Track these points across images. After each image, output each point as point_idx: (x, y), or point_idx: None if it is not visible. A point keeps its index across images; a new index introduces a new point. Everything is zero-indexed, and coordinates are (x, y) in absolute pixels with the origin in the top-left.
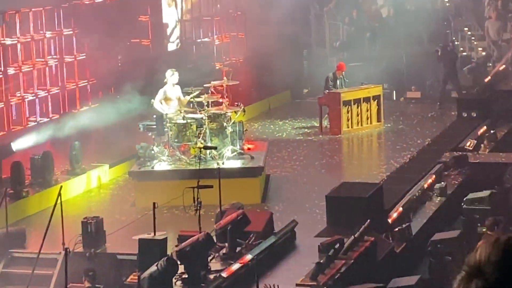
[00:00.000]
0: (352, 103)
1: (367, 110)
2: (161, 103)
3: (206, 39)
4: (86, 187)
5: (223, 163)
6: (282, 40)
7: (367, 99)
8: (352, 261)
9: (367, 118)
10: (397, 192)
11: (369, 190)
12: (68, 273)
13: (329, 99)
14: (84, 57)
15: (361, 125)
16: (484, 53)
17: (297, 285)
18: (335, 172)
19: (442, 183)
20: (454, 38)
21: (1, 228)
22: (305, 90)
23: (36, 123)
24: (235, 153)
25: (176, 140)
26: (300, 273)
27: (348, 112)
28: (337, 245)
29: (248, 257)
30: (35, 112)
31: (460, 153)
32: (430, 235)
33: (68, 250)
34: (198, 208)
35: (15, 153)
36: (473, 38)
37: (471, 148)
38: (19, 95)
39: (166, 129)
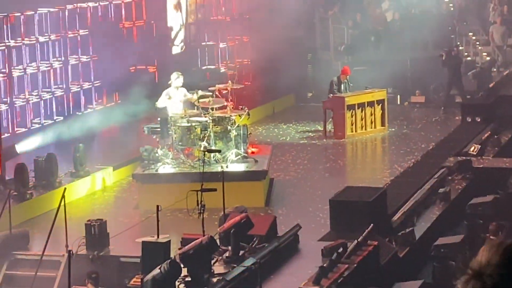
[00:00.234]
0: (356, 107)
1: (371, 115)
2: (166, 103)
3: (211, 43)
4: (90, 190)
5: (227, 167)
6: (286, 43)
7: (371, 103)
8: (355, 265)
9: (371, 122)
10: (400, 197)
11: (372, 194)
12: (72, 275)
13: (333, 103)
14: (89, 59)
15: (365, 129)
16: (488, 58)
17: None
18: (339, 176)
19: (446, 187)
20: (458, 43)
21: (4, 230)
22: (309, 94)
23: (40, 125)
24: (239, 156)
25: (180, 143)
26: (303, 277)
27: (352, 116)
28: (340, 249)
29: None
30: (39, 114)
31: (464, 158)
32: (433, 239)
33: (71, 252)
34: (202, 211)
35: (19, 155)
36: (477, 43)
37: (475, 153)
38: (23, 97)
39: (170, 132)
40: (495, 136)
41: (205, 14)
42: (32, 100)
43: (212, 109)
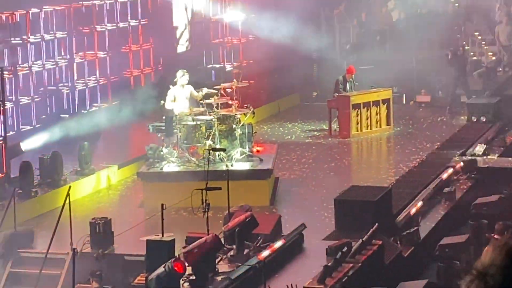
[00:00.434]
0: (362, 106)
1: (377, 114)
2: (172, 103)
3: (216, 41)
4: (94, 188)
5: (232, 165)
6: (292, 42)
7: (376, 103)
8: (360, 264)
9: (377, 122)
10: (405, 196)
11: (377, 193)
12: (76, 273)
13: (338, 102)
14: (94, 57)
15: (371, 128)
16: (494, 58)
17: (304, 287)
18: (344, 176)
19: (451, 187)
20: (464, 43)
21: (9, 228)
22: (314, 93)
23: (45, 123)
24: (244, 155)
25: (185, 142)
26: (307, 276)
27: (357, 116)
28: (345, 249)
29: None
30: (45, 112)
31: (469, 157)
32: (438, 239)
33: (76, 250)
34: (206, 210)
35: (24, 153)
36: (483, 42)
37: (480, 153)
38: (28, 95)
39: (175, 131)
40: (501, 136)
41: (211, 13)
42: (37, 98)
43: (217, 107)
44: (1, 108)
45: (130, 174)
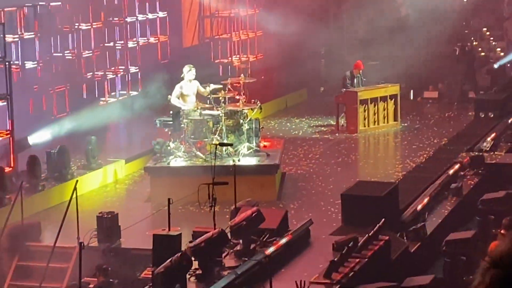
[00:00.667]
0: (369, 102)
1: (384, 109)
2: (178, 98)
3: (224, 36)
4: (102, 182)
5: (239, 160)
6: (299, 38)
7: (384, 98)
8: (366, 259)
9: (384, 117)
10: (412, 192)
11: (384, 189)
12: (83, 267)
13: (346, 98)
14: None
15: (378, 124)
16: (502, 54)
17: (311, 282)
18: (351, 171)
19: (458, 183)
20: (472, 38)
21: (17, 222)
22: (322, 88)
23: (53, 117)
24: (251, 150)
25: (192, 137)
26: (314, 271)
27: (365, 111)
28: (351, 244)
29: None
30: (52, 106)
31: (477, 153)
32: (445, 235)
33: (82, 244)
34: (213, 204)
35: (31, 147)
36: (491, 38)
37: (487, 149)
38: (36, 89)
39: (182, 125)
40: (508, 132)
41: (219, 7)
42: (45, 92)
43: (224, 102)
44: (9, 102)
45: (137, 168)
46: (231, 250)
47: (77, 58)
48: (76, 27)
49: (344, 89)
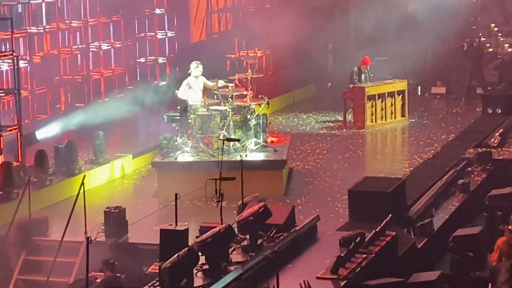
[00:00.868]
0: (377, 97)
1: (392, 105)
2: (186, 92)
3: (232, 31)
4: (109, 177)
5: (246, 156)
6: (307, 33)
7: (391, 94)
8: (373, 255)
9: (391, 113)
10: (420, 188)
11: (391, 185)
12: (90, 262)
13: (353, 93)
14: (109, 47)
15: (385, 119)
16: (510, 49)
17: (317, 278)
18: (358, 167)
19: (465, 179)
20: (480, 34)
21: (24, 216)
22: (329, 84)
23: (61, 112)
24: (258, 145)
25: (199, 132)
26: (321, 266)
27: (372, 107)
28: (358, 239)
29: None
30: (60, 101)
31: (484, 149)
32: (452, 231)
33: (90, 239)
34: (220, 200)
35: (39, 142)
36: (499, 34)
37: (495, 145)
38: (44, 83)
39: (190, 121)
40: None
41: (226, 2)
42: (52, 87)
43: (231, 98)
44: (17, 97)
45: (145, 163)
46: (238, 245)
47: (85, 53)
48: (83, 22)
49: (352, 85)
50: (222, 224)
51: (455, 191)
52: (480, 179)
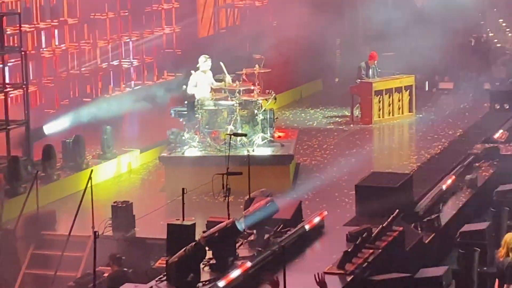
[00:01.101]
0: (384, 93)
1: (399, 100)
2: (195, 88)
3: (240, 26)
4: (116, 172)
5: (253, 150)
6: (315, 29)
7: (399, 89)
8: (380, 250)
9: (399, 108)
10: (427, 183)
11: (399, 180)
12: (97, 256)
13: (361, 89)
14: (118, 42)
15: (393, 115)
16: None
17: (324, 273)
18: (365, 162)
19: (473, 174)
20: (488, 30)
21: (32, 211)
22: (336, 79)
23: (68, 107)
24: (265, 140)
25: (207, 127)
26: (327, 261)
27: (379, 102)
28: (365, 234)
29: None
30: (67, 96)
31: (492, 145)
32: (459, 226)
33: (97, 233)
34: (227, 194)
35: (47, 136)
36: (507, 29)
37: (503, 140)
38: (52, 78)
39: (197, 115)
40: None
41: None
42: (60, 82)
43: (239, 92)
44: (25, 91)
45: (152, 158)
46: (245, 240)
47: (93, 48)
48: (92, 17)
49: (359, 80)
50: (229, 219)
51: (463, 186)
52: (487, 174)
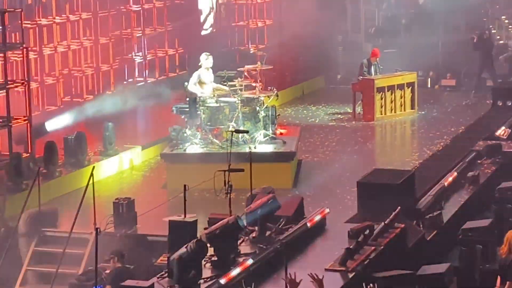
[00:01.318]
0: (386, 89)
1: (401, 97)
2: (196, 85)
3: (241, 23)
4: (118, 168)
5: (255, 147)
6: (317, 25)
7: (401, 86)
8: (382, 247)
9: (401, 105)
10: (429, 180)
11: (401, 177)
12: (99, 253)
13: (363, 85)
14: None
15: (395, 112)
16: None
17: (326, 270)
18: (367, 159)
19: (475, 171)
20: (491, 26)
21: (34, 207)
22: (338, 76)
23: (70, 103)
24: (267, 137)
25: (208, 123)
26: (329, 258)
27: (381, 99)
28: (367, 231)
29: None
30: (69, 93)
31: (494, 141)
32: (461, 223)
33: (99, 230)
34: (229, 191)
35: (49, 133)
36: (510, 26)
37: (505, 137)
38: (54, 75)
39: (199, 112)
40: None
41: None
42: (62, 78)
43: (241, 89)
44: (27, 88)
45: (154, 155)
46: (247, 237)
47: (95, 44)
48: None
49: (361, 77)
50: (230, 215)
51: (465, 183)
52: (489, 171)
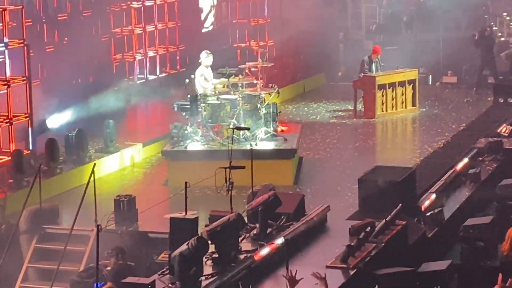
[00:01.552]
0: (387, 87)
1: (402, 94)
2: (204, 82)
3: (242, 21)
4: (119, 165)
5: (256, 144)
6: (318, 22)
7: (402, 83)
8: (383, 244)
9: (402, 102)
10: (430, 177)
11: (402, 174)
12: (100, 250)
13: (364, 83)
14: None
15: (396, 109)
16: None
17: (327, 267)
18: (368, 156)
19: (476, 168)
20: (492, 23)
21: (35, 204)
22: (339, 73)
23: (71, 100)
24: (268, 134)
25: (209, 121)
26: (330, 255)
27: (382, 96)
28: (368, 228)
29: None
30: (71, 90)
31: (495, 138)
32: (462, 220)
33: (100, 227)
34: (230, 188)
35: (50, 130)
36: (511, 23)
37: (506, 134)
38: (56, 72)
39: (200, 109)
40: None
41: None
42: (63, 75)
43: (242, 87)
44: (28, 84)
45: (155, 152)
46: (248, 234)
47: (96, 41)
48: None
49: (362, 74)
50: (232, 212)
51: (466, 180)
52: (491, 168)
